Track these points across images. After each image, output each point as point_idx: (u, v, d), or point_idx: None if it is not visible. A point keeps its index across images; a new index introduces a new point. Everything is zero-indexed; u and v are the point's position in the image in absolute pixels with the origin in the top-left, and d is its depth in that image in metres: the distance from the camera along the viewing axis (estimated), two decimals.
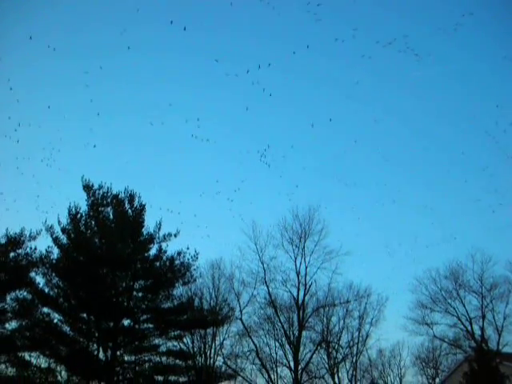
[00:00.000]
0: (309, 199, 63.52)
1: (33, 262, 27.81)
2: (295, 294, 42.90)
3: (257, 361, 42.24)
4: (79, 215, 29.56)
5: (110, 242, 28.52)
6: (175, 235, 30.40)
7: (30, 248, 27.67)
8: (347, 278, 51.14)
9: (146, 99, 68.36)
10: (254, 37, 71.70)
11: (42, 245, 28.55)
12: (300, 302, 42.81)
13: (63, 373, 29.17)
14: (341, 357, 46.57)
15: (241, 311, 41.38)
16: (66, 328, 29.42)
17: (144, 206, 30.76)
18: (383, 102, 70.15)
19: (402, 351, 56.37)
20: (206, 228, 66.54)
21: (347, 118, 70.85)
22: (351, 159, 70.26)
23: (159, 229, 30.39)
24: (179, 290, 32.59)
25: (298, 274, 43.07)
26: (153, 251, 30.40)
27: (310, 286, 43.07)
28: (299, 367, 41.82)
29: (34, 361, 28.35)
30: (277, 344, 43.45)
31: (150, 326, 30.54)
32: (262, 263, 42.35)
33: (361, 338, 46.97)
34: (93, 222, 30.21)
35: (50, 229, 28.67)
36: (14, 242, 27.34)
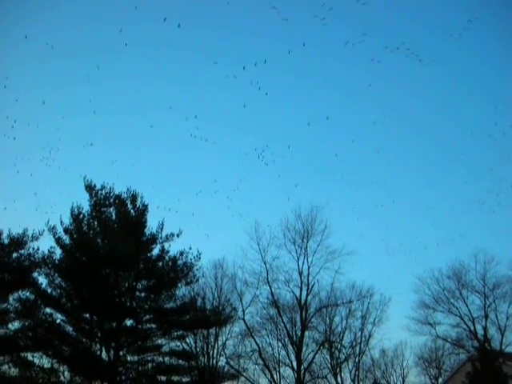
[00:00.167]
0: (308, 199, 63.82)
1: (35, 263, 27.82)
2: (298, 294, 42.98)
3: (259, 361, 42.37)
4: (82, 215, 29.56)
5: (112, 242, 28.49)
6: (178, 235, 30.39)
7: (33, 248, 27.70)
8: (350, 278, 51.56)
9: (146, 99, 68.62)
10: (254, 36, 71.94)
11: (45, 245, 28.61)
12: (303, 302, 42.83)
13: (66, 373, 29.15)
14: (343, 357, 46.66)
15: (243, 311, 41.47)
16: (69, 328, 29.46)
17: (146, 206, 30.73)
18: (383, 102, 70.26)
19: (404, 351, 56.42)
20: (205, 227, 66.34)
21: (347, 117, 71.08)
22: (351, 159, 70.40)
23: (162, 229, 30.38)
24: (182, 290, 32.59)
25: (300, 273, 43.13)
26: (155, 251, 30.44)
27: (312, 286, 43.15)
28: (302, 367, 41.85)
29: (36, 361, 28.34)
30: (279, 344, 43.60)
31: (153, 326, 30.53)
32: (265, 263, 42.49)
33: (363, 338, 47.10)
34: (95, 223, 30.22)
35: (52, 229, 28.64)
36: (17, 242, 27.36)
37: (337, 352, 46.22)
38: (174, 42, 64.38)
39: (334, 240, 49.10)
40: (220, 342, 40.04)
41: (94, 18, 59.28)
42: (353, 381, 47.46)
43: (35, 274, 28.22)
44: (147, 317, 30.29)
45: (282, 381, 43.24)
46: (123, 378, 29.65)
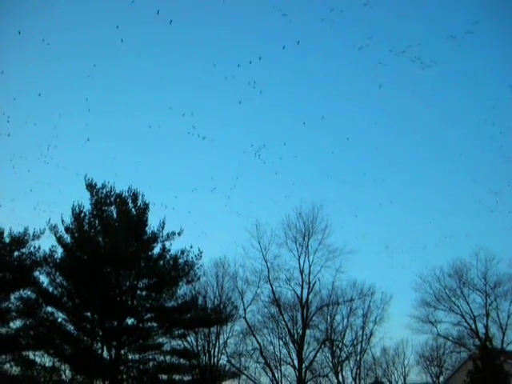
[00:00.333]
0: (306, 197, 63.75)
1: (37, 262, 27.88)
2: (299, 292, 42.89)
3: (261, 359, 42.34)
4: (83, 214, 29.58)
5: (113, 240, 28.50)
6: (179, 234, 30.42)
7: (34, 247, 27.83)
8: (351, 277, 51.26)
9: (143, 97, 68.67)
10: (251, 34, 71.91)
11: (46, 244, 28.78)
12: (304, 300, 42.76)
13: (67, 372, 29.28)
14: (345, 355, 46.70)
15: (245, 310, 41.41)
16: (70, 327, 29.52)
17: (147, 204, 30.77)
18: (383, 102, 70.24)
19: (406, 349, 56.60)
20: (203, 226, 66.21)
21: (347, 117, 71.08)
22: (350, 158, 70.42)
23: (163, 228, 30.42)
24: (183, 289, 32.53)
25: (301, 272, 43.04)
26: (156, 250, 30.49)
27: (313, 285, 43.07)
28: (303, 366, 41.80)
29: (38, 360, 28.47)
30: (281, 342, 43.56)
31: (154, 324, 30.57)
32: (266, 261, 42.37)
33: (365, 337, 47.09)
34: (96, 221, 30.24)
35: (53, 228, 28.72)
36: (18, 241, 27.43)
37: (338, 350, 46.27)
38: (168, 40, 64.85)
39: (334, 239, 48.96)
40: (221, 341, 40.05)
41: (91, 16, 59.11)
42: (354, 379, 47.49)
43: (36, 273, 28.35)
44: (148, 315, 30.33)
45: (283, 379, 43.28)
46: (124, 376, 29.70)
